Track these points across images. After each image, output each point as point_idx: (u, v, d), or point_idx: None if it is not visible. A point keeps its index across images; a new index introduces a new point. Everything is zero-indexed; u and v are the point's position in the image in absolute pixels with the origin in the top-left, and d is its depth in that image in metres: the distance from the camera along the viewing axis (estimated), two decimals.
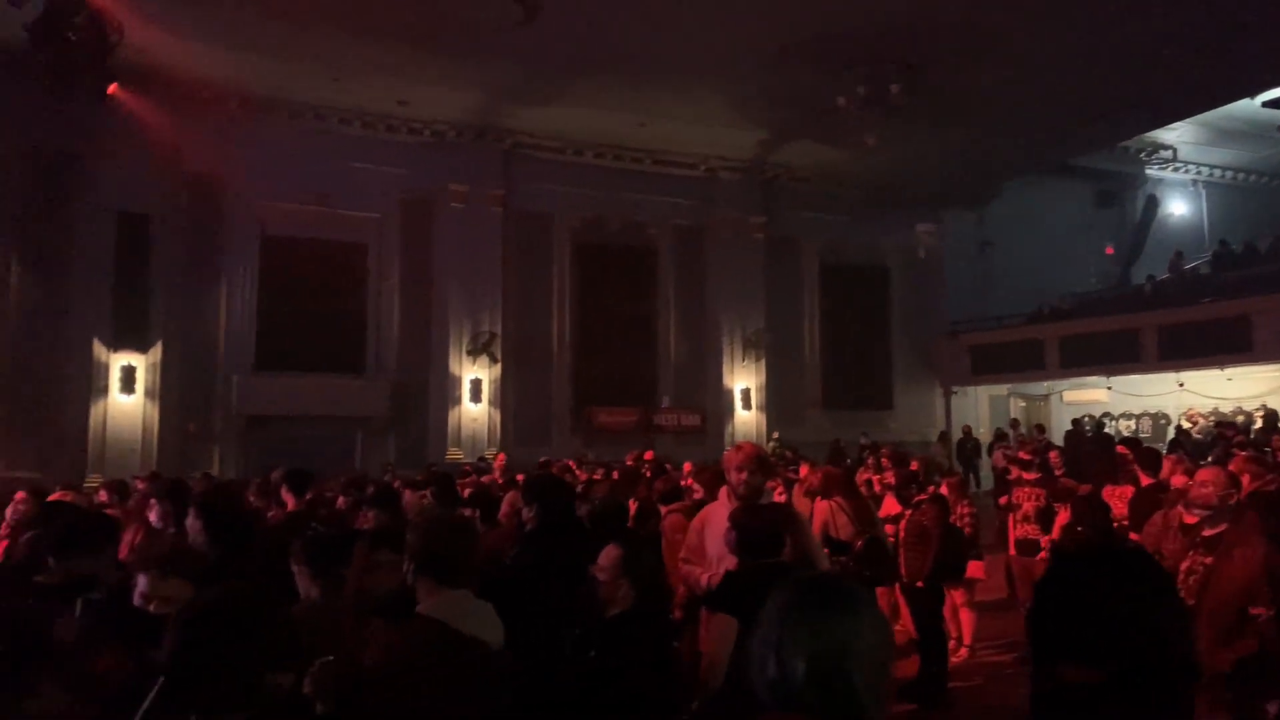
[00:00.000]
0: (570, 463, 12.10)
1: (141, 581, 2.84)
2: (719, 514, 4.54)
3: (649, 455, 12.55)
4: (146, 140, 15.09)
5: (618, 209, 19.83)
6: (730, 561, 4.01)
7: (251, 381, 16.86)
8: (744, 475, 4.39)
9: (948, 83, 15.24)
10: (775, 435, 18.74)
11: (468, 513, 6.03)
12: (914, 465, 8.12)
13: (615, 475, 9.87)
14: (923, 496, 7.42)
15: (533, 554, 4.24)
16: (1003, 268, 22.73)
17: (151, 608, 2.77)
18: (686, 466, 11.29)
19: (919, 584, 7.08)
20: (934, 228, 21.46)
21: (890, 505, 8.09)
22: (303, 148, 16.90)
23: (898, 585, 7.31)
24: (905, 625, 7.43)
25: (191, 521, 4.21)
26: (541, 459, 12.65)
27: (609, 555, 3.78)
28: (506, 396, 18.62)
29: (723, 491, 4.71)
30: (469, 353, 18.21)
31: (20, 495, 5.72)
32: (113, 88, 12.93)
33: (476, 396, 18.27)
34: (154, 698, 2.48)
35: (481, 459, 16.54)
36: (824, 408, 21.34)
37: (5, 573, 3.60)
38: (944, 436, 21.27)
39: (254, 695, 1.74)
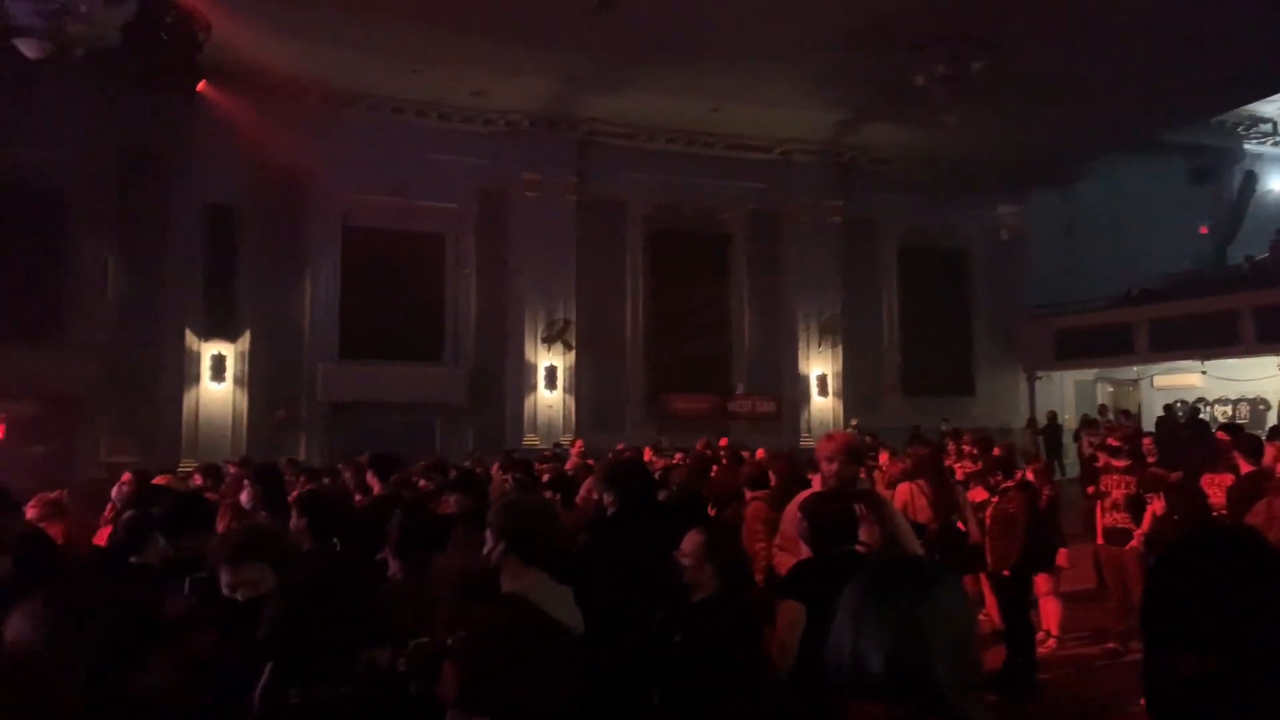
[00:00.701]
0: (646, 450, 12.13)
1: (224, 573, 2.90)
2: None
3: (724, 442, 12.49)
4: (233, 135, 15.60)
5: (691, 195, 19.75)
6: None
7: (335, 369, 17.29)
8: (835, 465, 4.34)
9: (1032, 57, 14.77)
10: (853, 422, 18.49)
11: (548, 495, 6.09)
12: (998, 451, 7.91)
13: (679, 460, 9.88)
14: (1009, 483, 7.25)
15: (611, 538, 4.26)
16: (1090, 248, 21.96)
17: (239, 596, 2.83)
18: (760, 453, 11.23)
19: (1005, 572, 6.92)
20: (1017, 209, 20.89)
21: (974, 492, 7.92)
22: (382, 140, 17.21)
23: (983, 574, 7.16)
24: (990, 615, 7.28)
25: (295, 520, 4.29)
26: (619, 445, 12.71)
27: (692, 540, 3.78)
28: (581, 383, 18.74)
29: (816, 480, 4.67)
30: (544, 340, 18.38)
31: (126, 478, 5.98)
32: (201, 85, 13.36)
33: (551, 384, 18.44)
34: (269, 676, 2.55)
35: (557, 445, 16.70)
36: (903, 394, 20.98)
37: (109, 552, 3.76)
38: (1032, 422, 20.74)
39: (351, 670, 1.77)
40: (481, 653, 2.29)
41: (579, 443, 14.95)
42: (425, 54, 15.26)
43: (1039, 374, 21.83)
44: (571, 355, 18.56)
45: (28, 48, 10.64)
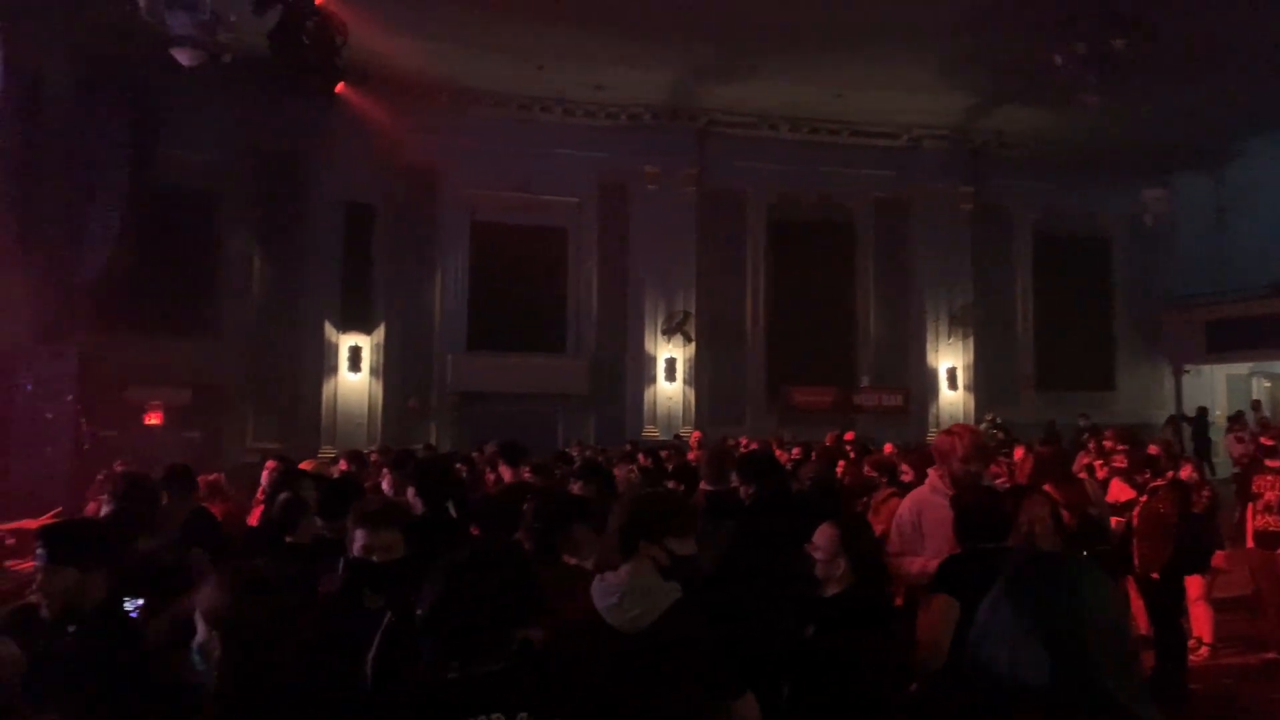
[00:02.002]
0: (772, 442, 12.02)
1: (360, 535, 3.06)
2: (932, 501, 4.36)
3: (849, 436, 12.26)
4: (369, 135, 16.23)
5: (813, 183, 19.44)
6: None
7: (463, 360, 17.80)
8: (962, 462, 4.19)
9: (1181, 30, 13.88)
10: (989, 416, 17.81)
11: (671, 485, 6.11)
12: (1154, 449, 7.47)
13: (814, 455, 9.71)
14: (1159, 482, 6.85)
15: (747, 531, 4.24)
16: (1243, 234, 20.56)
17: (375, 558, 2.99)
18: (887, 448, 10.96)
19: (1154, 575, 6.56)
20: (1163, 193, 19.71)
21: (1117, 491, 7.53)
22: (508, 136, 17.59)
23: (1130, 577, 6.80)
24: (1138, 620, 6.91)
25: (410, 491, 4.50)
26: (728, 440, 12.63)
27: (825, 534, 3.73)
28: (701, 375, 18.73)
29: (932, 476, 4.51)
30: (664, 332, 18.45)
31: (272, 464, 6.30)
32: (340, 87, 13.92)
33: (671, 375, 18.50)
34: (428, 651, 2.64)
35: (677, 436, 16.76)
36: (1038, 388, 20.14)
37: (265, 531, 3.97)
38: (1172, 419, 19.60)
39: (507, 647, 1.82)
40: (553, 649, 2.29)
41: (696, 434, 14.95)
42: (550, 51, 15.50)
43: (1187, 368, 20.60)
44: (691, 347, 18.57)
45: (183, 56, 11.29)
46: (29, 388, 11.95)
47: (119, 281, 14.38)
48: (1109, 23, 13.54)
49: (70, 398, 11.97)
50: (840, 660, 3.48)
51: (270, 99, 14.31)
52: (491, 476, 6.88)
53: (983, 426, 16.75)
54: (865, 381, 19.57)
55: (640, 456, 9.53)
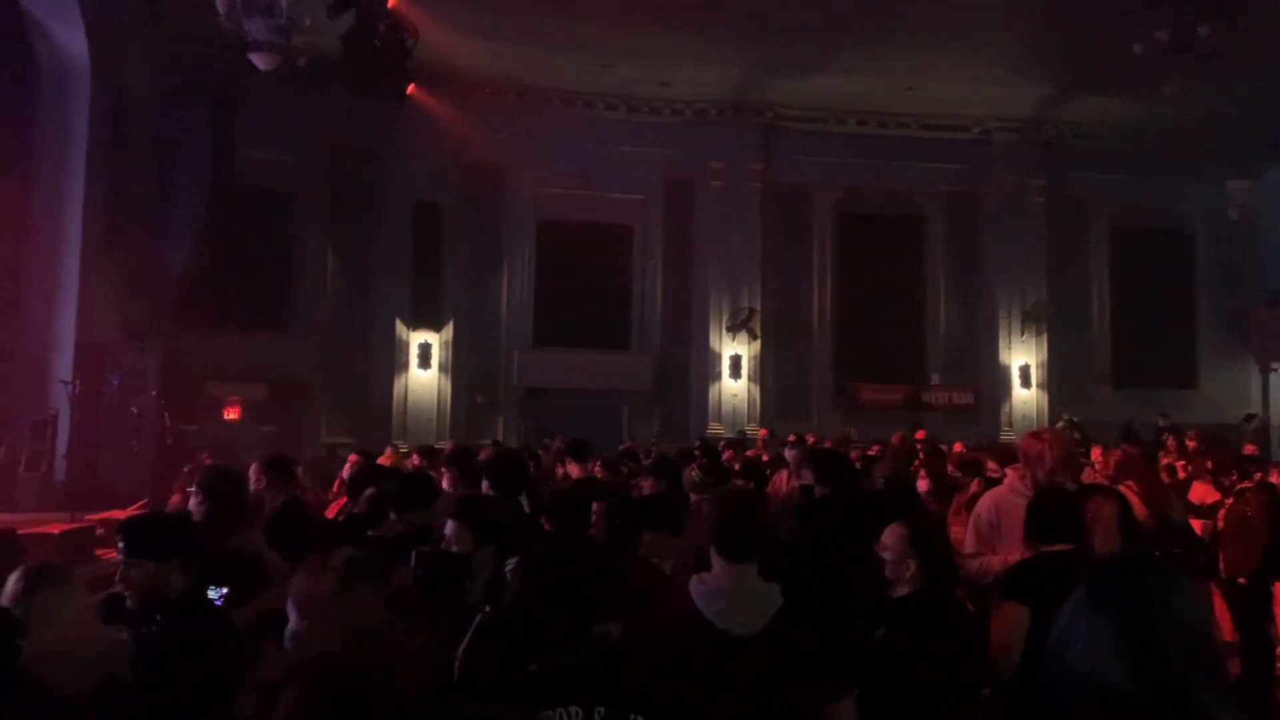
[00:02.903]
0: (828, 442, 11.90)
1: (449, 526, 3.20)
2: (1010, 501, 4.30)
3: (920, 435, 12.08)
4: (438, 135, 16.50)
5: (881, 178, 19.18)
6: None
7: (529, 357, 18.00)
8: (1049, 472, 4.11)
9: (1268, 16, 13.35)
10: (1066, 415, 17.35)
11: (740, 484, 6.09)
12: (1250, 449, 7.22)
13: (875, 452, 9.60)
14: (1246, 484, 6.62)
15: (817, 529, 4.22)
16: None
17: (455, 549, 3.13)
18: (957, 447, 10.77)
19: (1240, 580, 6.34)
20: (1250, 184, 19.00)
21: (1201, 493, 7.30)
22: (573, 134, 17.72)
23: (1213, 582, 6.58)
24: (1222, 626, 6.68)
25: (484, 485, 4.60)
26: (790, 436, 12.52)
27: (894, 533, 3.68)
28: (766, 372, 18.63)
29: (1010, 476, 4.44)
30: (729, 329, 18.39)
31: (353, 458, 6.48)
32: (410, 88, 14.16)
33: (736, 372, 18.43)
34: (471, 636, 2.70)
35: (741, 433, 16.69)
36: (1115, 386, 19.55)
37: (350, 524, 4.08)
38: (1250, 418, 18.84)
39: (586, 642, 1.84)
40: (645, 649, 2.30)
41: (763, 431, 14.87)
42: (615, 48, 15.56)
43: (1275, 365, 19.81)
44: (757, 344, 18.48)
45: (260, 61, 11.60)
46: (116, 383, 12.40)
47: (199, 280, 14.87)
48: (1193, 8, 13.08)
49: (154, 393, 12.39)
50: (910, 662, 3.43)
51: (343, 101, 14.62)
52: (561, 472, 6.95)
53: (1059, 425, 16.36)
54: (935, 379, 19.24)
55: (698, 454, 9.52)
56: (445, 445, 9.72)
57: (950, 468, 6.84)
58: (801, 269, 19.15)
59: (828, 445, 10.18)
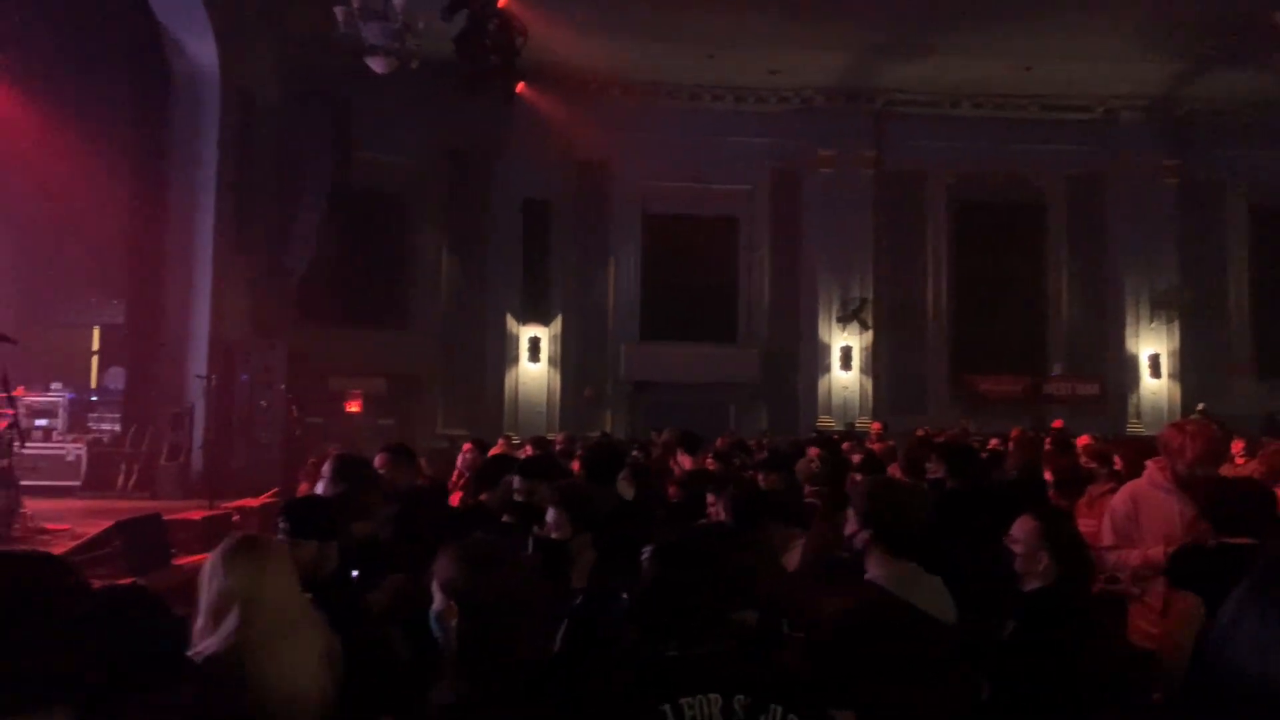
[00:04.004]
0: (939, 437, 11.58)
1: (550, 514, 3.26)
2: (1150, 494, 4.10)
3: (1058, 424, 11.66)
4: (546, 132, 16.77)
5: (999, 162, 18.52)
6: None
7: (636, 350, 18.11)
8: (1190, 465, 3.90)
9: None
10: (1200, 407, 16.46)
11: (858, 478, 5.97)
12: None
13: (995, 445, 9.30)
14: None
15: (946, 523, 4.10)
16: None
17: (555, 535, 3.20)
18: (1082, 440, 10.32)
19: None
20: None
21: None
22: (679, 127, 17.72)
23: None
24: None
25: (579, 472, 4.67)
26: (919, 430, 12.24)
27: (1024, 526, 3.55)
28: (879, 364, 18.27)
29: (1151, 468, 4.22)
30: (839, 320, 18.11)
31: (467, 446, 6.66)
32: (520, 86, 14.40)
33: (847, 364, 18.13)
34: (569, 623, 2.72)
35: (851, 426, 16.41)
36: (1256, 376, 18.43)
37: (483, 510, 4.19)
38: None
39: (722, 630, 1.83)
40: (839, 644, 2.28)
41: (876, 425, 14.59)
42: (722, 38, 15.47)
43: None
44: (869, 334, 18.14)
45: (377, 65, 11.97)
46: (245, 378, 13.01)
47: (321, 279, 15.50)
48: None
49: (282, 387, 12.94)
50: (1044, 659, 3.30)
51: (455, 102, 14.96)
52: (675, 466, 6.98)
53: (1193, 419, 15.50)
54: (1057, 369, 18.53)
55: (810, 449, 9.39)
56: (557, 438, 9.87)
57: (1084, 459, 6.55)
58: (915, 257, 18.69)
59: (940, 439, 9.94)
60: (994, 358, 18.37)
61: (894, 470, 7.33)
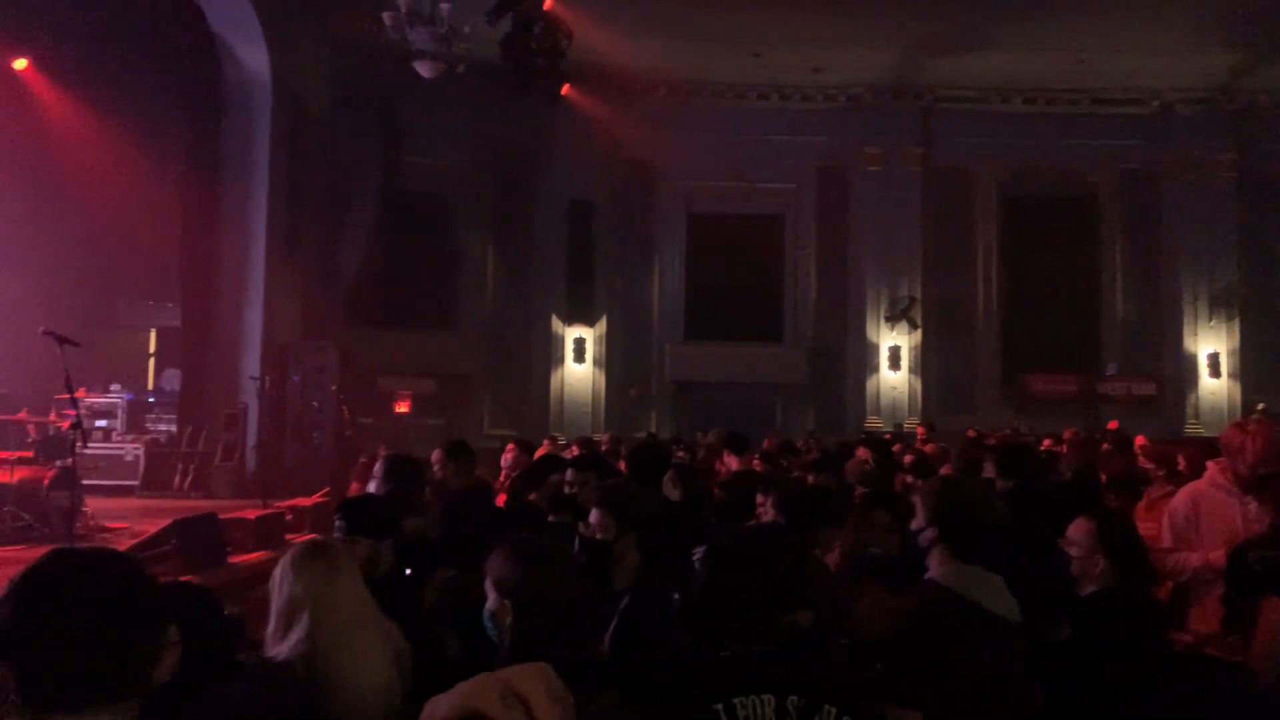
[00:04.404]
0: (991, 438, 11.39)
1: (594, 514, 3.28)
2: (1211, 495, 4.00)
3: (1113, 425, 11.42)
4: (591, 133, 16.85)
5: (1050, 157, 18.18)
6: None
7: (681, 350, 18.09)
8: (1251, 466, 3.80)
9: None
10: (1261, 406, 16.01)
11: (909, 479, 5.91)
12: None
13: (1048, 446, 9.12)
14: None
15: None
16: None
17: (598, 536, 3.20)
18: (1139, 441, 10.10)
19: None
20: None
21: None
22: (723, 126, 17.67)
23: None
24: None
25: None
26: (969, 431, 12.04)
27: (1080, 528, 3.49)
28: (928, 363, 18.04)
29: (1211, 470, 4.12)
30: (887, 319, 17.92)
31: (510, 446, 6.69)
32: (565, 88, 14.46)
33: (895, 364, 17.94)
34: (617, 624, 2.72)
35: (899, 427, 16.24)
36: None
37: (533, 509, 4.22)
38: None
39: (772, 631, 1.82)
40: (906, 640, 2.26)
41: (921, 429, 14.39)
42: (766, 37, 15.40)
43: None
44: (917, 334, 17.92)
45: (424, 69, 12.09)
46: (297, 379, 13.23)
47: (370, 281, 15.73)
48: None
49: (333, 388, 13.15)
50: (1100, 663, 3.24)
51: (500, 105, 15.06)
52: (722, 467, 6.97)
53: (1254, 418, 15.08)
54: (1112, 369, 18.14)
55: (860, 450, 9.30)
56: (602, 438, 9.89)
57: (1143, 460, 6.41)
58: (964, 255, 18.43)
59: (990, 440, 9.79)
60: (1046, 357, 18.03)
61: (946, 471, 7.25)
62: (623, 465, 5.85)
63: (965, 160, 18.27)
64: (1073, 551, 3.49)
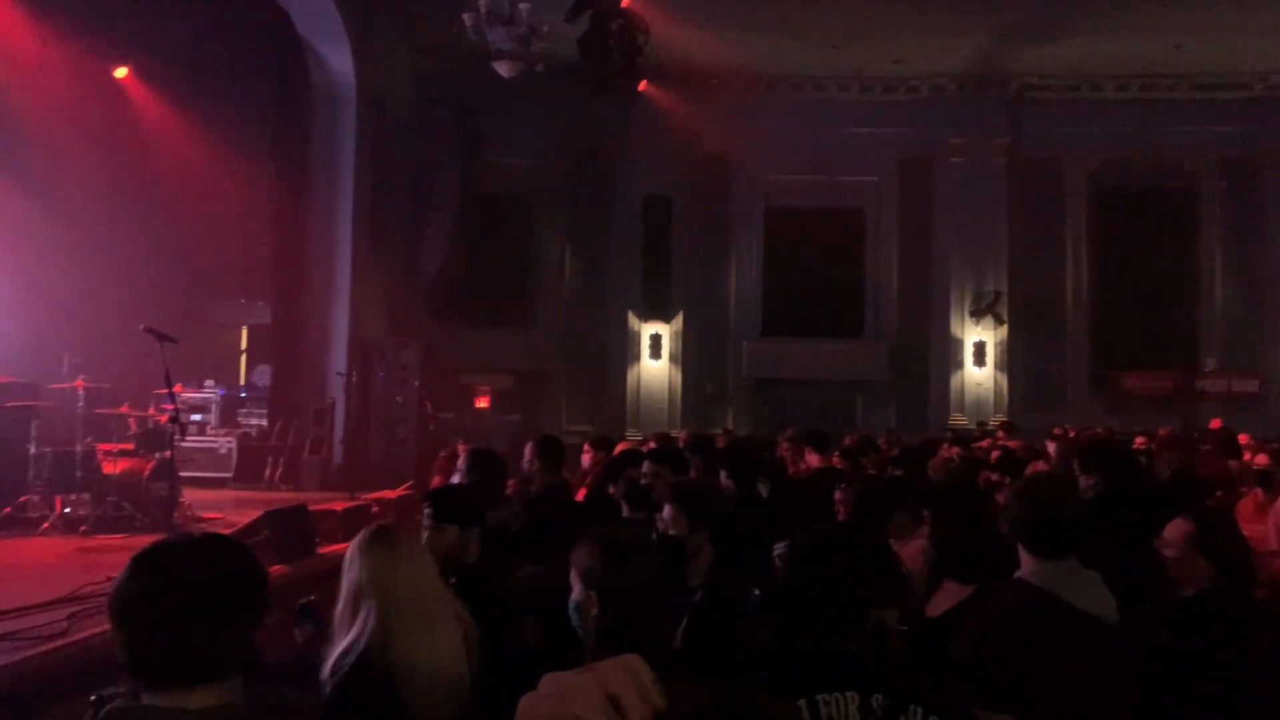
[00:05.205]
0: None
1: (666, 510, 3.28)
2: None
3: (1216, 424, 10.99)
4: (668, 129, 16.83)
5: (1144, 146, 17.49)
6: None
7: (758, 346, 17.96)
8: None
9: None
10: None
11: (994, 477, 5.77)
12: None
13: (1142, 444, 8.80)
14: None
15: (1088, 526, 3.90)
16: None
17: (671, 531, 3.20)
18: (1242, 439, 9.74)
19: None
20: None
21: None
22: (802, 119, 17.45)
23: None
24: None
25: (723, 476, 4.66)
26: (1056, 429, 11.67)
27: (1177, 529, 3.37)
28: (1014, 359, 17.58)
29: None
30: (971, 314, 17.50)
31: (587, 447, 6.75)
32: (642, 84, 14.47)
33: (980, 360, 17.52)
34: (689, 620, 2.71)
35: (984, 424, 15.87)
36: None
37: (613, 504, 4.25)
38: None
39: (861, 627, 1.80)
40: (995, 640, 2.21)
41: (1001, 429, 14.00)
42: (847, 28, 15.19)
43: None
44: (1003, 329, 17.47)
45: (504, 69, 12.25)
46: (382, 375, 13.56)
47: (451, 279, 16.02)
48: None
49: (416, 384, 13.44)
50: (1199, 668, 3.12)
51: (578, 103, 15.17)
52: (802, 465, 6.90)
53: None
54: (1210, 365, 17.42)
55: (945, 447, 9.12)
56: (680, 434, 9.88)
57: (1261, 457, 6.13)
58: (1053, 248, 17.88)
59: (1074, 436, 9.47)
60: (1140, 352, 17.40)
61: (1035, 469, 7.05)
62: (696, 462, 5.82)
63: (1053, 150, 17.74)
64: (1169, 553, 3.37)
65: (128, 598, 1.50)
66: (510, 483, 4.66)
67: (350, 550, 2.57)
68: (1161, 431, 11.17)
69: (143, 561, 1.54)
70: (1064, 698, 2.27)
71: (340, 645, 2.44)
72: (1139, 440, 9.52)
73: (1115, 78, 17.13)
